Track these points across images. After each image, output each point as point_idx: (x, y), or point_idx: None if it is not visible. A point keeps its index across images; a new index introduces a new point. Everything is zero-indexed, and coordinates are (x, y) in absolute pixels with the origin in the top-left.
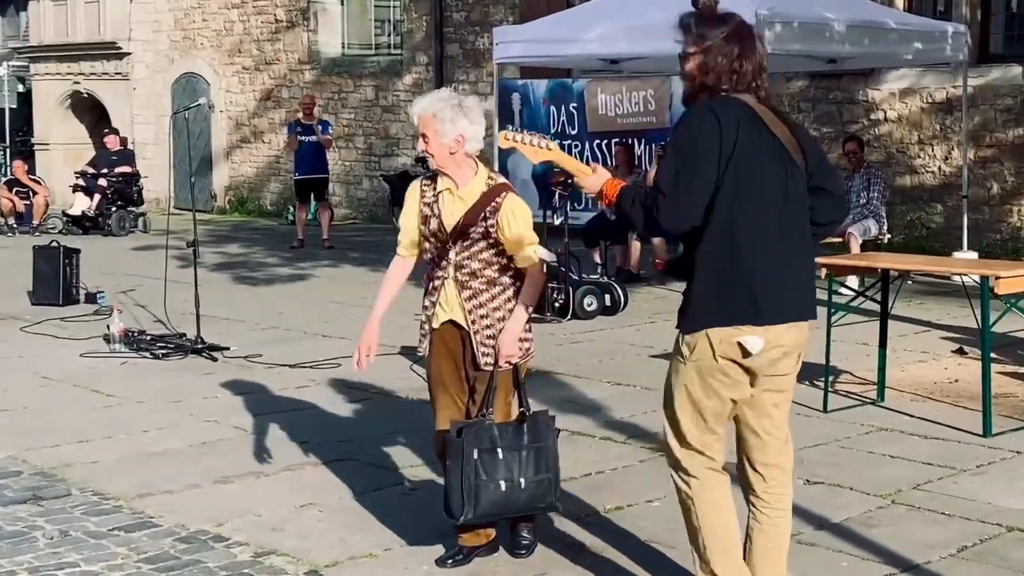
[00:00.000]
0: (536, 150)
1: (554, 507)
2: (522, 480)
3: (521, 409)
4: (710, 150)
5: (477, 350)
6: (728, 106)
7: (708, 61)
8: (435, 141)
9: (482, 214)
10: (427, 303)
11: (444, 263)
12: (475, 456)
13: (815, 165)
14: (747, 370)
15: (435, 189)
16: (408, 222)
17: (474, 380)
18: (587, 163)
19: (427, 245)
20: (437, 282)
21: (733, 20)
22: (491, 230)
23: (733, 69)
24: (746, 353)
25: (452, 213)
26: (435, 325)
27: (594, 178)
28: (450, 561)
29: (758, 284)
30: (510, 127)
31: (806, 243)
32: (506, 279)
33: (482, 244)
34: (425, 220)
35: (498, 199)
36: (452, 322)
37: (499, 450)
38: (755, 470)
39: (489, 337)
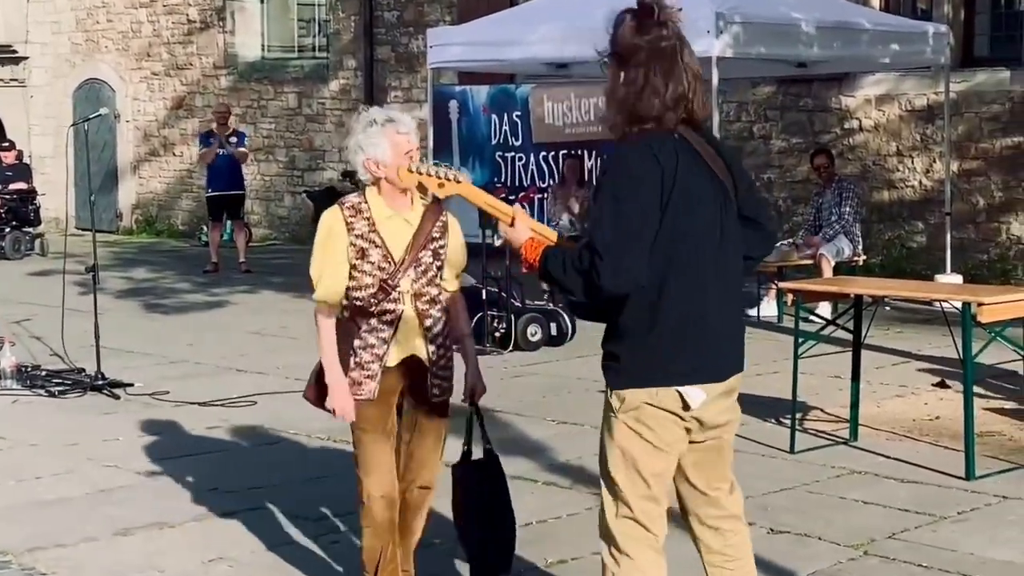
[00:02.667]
0: (443, 183)
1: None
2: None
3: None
4: (651, 197)
5: (430, 383)
6: (663, 140)
7: (640, 83)
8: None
9: (430, 235)
10: (373, 341)
11: (394, 295)
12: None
13: (744, 194)
14: (684, 423)
15: (368, 217)
16: (337, 265)
17: (420, 417)
18: (531, 180)
19: (367, 281)
20: (388, 316)
21: (671, 29)
22: (440, 251)
23: (668, 93)
24: (686, 406)
25: (400, 238)
26: (390, 364)
27: (515, 232)
28: None
29: (698, 340)
30: (418, 161)
31: (739, 285)
32: (446, 304)
33: (434, 268)
34: (362, 254)
35: (443, 217)
36: (411, 357)
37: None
38: (708, 526)
39: (442, 368)
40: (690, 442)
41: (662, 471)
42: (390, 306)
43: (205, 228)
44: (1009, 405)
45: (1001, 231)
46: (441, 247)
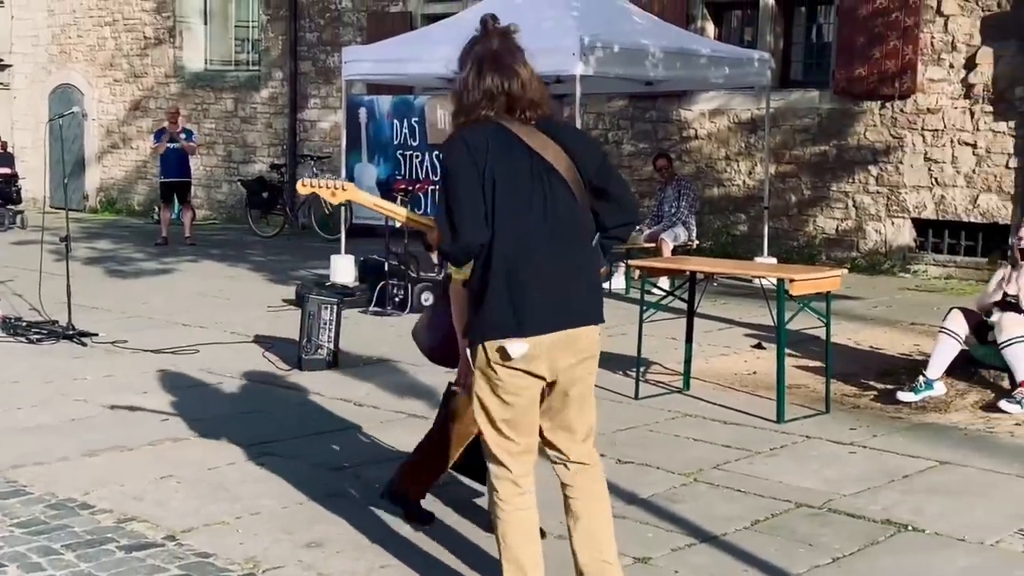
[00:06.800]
0: (334, 192)
1: None
2: None
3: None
4: (468, 172)
5: None
6: (476, 129)
7: (461, 95)
8: None
9: None
10: None
11: None
12: None
13: (595, 171)
14: (532, 375)
15: None
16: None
17: None
18: (425, 174)
19: None
20: None
21: (483, 44)
22: None
23: (478, 89)
24: (506, 356)
25: None
26: None
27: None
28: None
29: (519, 298)
30: (306, 175)
31: (579, 250)
32: None
33: None
34: None
35: None
36: None
37: None
38: (556, 463)
39: None
40: (546, 388)
41: (510, 418)
42: None
43: (157, 209)
44: (813, 363)
45: (809, 223)
46: None
